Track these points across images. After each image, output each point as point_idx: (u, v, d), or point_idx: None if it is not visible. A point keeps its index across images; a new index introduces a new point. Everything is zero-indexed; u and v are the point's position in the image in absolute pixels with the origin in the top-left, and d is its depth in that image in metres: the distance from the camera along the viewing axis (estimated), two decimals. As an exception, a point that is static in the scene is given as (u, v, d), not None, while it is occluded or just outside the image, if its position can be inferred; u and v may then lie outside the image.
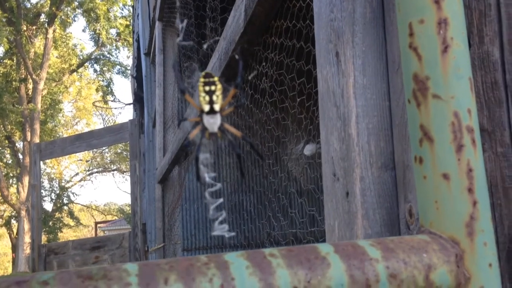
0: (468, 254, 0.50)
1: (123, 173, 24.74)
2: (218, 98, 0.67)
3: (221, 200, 0.77)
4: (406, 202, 0.69)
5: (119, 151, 23.45)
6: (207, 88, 0.67)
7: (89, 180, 25.34)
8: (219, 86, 0.67)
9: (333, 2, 0.78)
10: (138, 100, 7.52)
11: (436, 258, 0.49)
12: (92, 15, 20.01)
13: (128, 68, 20.72)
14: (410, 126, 0.56)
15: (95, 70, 22.81)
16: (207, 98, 0.67)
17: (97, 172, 25.16)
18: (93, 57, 22.20)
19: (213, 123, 0.66)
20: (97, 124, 24.34)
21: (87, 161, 24.39)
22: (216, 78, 0.67)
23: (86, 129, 22.18)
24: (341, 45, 0.74)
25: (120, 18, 20.82)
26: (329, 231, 0.80)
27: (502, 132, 0.64)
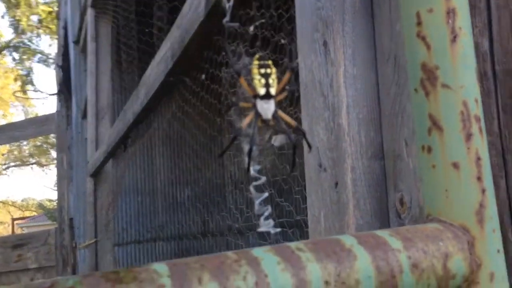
0: (478, 241, 0.51)
1: (43, 167, 23.54)
2: (274, 81, 0.63)
3: (266, 194, 0.73)
4: (396, 191, 0.70)
5: (38, 143, 22.25)
6: (262, 70, 0.62)
7: (5, 174, 23.86)
8: (274, 69, 0.63)
9: (320, -10, 0.76)
10: (63, 91, 7.14)
11: (451, 246, 0.49)
12: (12, 0, 18.74)
13: (50, 56, 19.67)
14: (416, 115, 0.56)
15: (13, 59, 21.42)
16: (263, 81, 0.62)
17: (14, 166, 23.74)
18: (11, 44, 20.83)
19: (267, 108, 0.62)
20: (14, 115, 22.90)
21: (3, 155, 22.95)
22: (270, 61, 0.63)
23: (3, 121, 20.80)
24: (330, 34, 0.73)
25: (42, 4, 19.66)
26: (314, 222, 0.79)
27: (491, 122, 0.66)
